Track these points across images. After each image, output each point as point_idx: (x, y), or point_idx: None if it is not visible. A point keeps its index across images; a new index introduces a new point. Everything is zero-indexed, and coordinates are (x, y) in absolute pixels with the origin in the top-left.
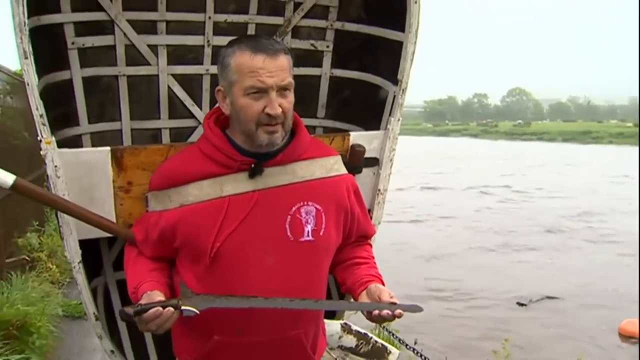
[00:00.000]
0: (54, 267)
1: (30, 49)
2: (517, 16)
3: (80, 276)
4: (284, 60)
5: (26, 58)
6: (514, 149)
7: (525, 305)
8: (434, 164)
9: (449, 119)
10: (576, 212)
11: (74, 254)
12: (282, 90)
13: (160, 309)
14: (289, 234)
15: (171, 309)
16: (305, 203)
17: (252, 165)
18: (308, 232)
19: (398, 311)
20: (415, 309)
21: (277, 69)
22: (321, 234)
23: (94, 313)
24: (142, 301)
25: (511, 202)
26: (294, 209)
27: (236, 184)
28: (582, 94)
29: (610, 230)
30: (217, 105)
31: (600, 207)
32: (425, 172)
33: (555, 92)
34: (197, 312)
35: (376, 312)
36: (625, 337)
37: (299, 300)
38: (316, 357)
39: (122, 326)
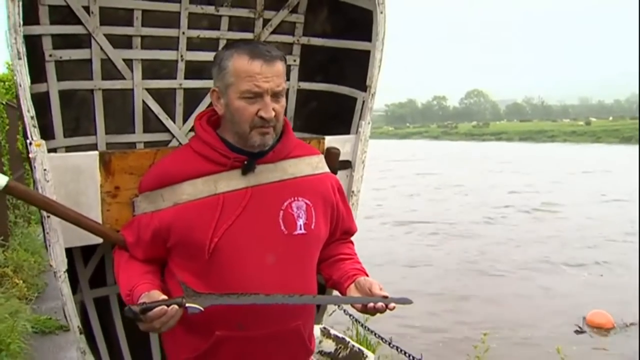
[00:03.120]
0: (21, 282)
1: (24, 49)
2: (471, 19)
3: (66, 286)
4: (280, 67)
5: (19, 59)
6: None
7: (585, 332)
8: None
9: (410, 121)
10: None
11: (59, 262)
12: (275, 95)
13: (165, 307)
14: (282, 228)
15: (175, 306)
16: (296, 198)
17: (245, 162)
18: (300, 225)
19: (392, 304)
20: (406, 301)
21: (273, 74)
22: (312, 227)
23: (78, 327)
24: (142, 301)
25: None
26: (285, 204)
27: (230, 181)
28: (536, 95)
29: None
30: (206, 108)
31: None
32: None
33: (511, 93)
34: (202, 309)
35: (371, 305)
36: (593, 328)
37: (297, 296)
38: (312, 347)
39: (101, 344)
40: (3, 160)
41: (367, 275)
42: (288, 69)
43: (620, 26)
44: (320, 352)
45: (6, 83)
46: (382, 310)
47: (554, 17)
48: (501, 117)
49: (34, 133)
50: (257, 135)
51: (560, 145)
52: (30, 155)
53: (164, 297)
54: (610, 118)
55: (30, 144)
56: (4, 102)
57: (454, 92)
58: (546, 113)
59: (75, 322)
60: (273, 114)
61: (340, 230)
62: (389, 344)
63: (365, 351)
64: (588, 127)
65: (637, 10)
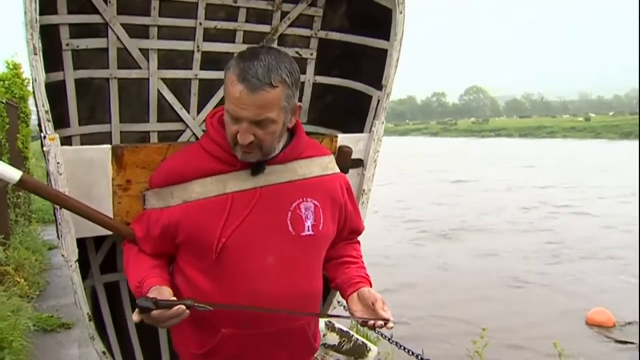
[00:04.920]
0: (22, 280)
1: (40, 45)
2: (470, 15)
3: (76, 275)
4: (266, 96)
5: (35, 54)
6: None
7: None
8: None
9: (409, 118)
10: None
11: (70, 252)
12: (258, 123)
13: (179, 307)
14: (290, 228)
15: (182, 307)
16: (305, 199)
17: (255, 163)
18: (308, 227)
19: (390, 324)
20: (404, 322)
21: (253, 104)
22: (320, 228)
23: (88, 313)
24: (152, 294)
25: None
26: (294, 205)
27: (239, 182)
28: (535, 91)
29: None
30: (221, 99)
31: None
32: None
33: (510, 89)
34: (211, 308)
35: (371, 322)
36: (593, 326)
37: (306, 313)
38: (317, 345)
39: (110, 329)
40: (3, 159)
41: (370, 283)
42: (305, 63)
43: (619, 21)
44: (325, 345)
45: (6, 82)
46: (380, 328)
47: (553, 13)
48: (500, 113)
49: (48, 127)
50: (239, 151)
51: (561, 141)
52: (44, 149)
53: (174, 298)
54: (611, 113)
55: (45, 137)
56: (3, 101)
57: (453, 88)
58: (545, 109)
59: (85, 309)
60: (248, 140)
61: (348, 229)
62: (389, 339)
63: (369, 344)
64: (587, 123)
65: (637, 5)
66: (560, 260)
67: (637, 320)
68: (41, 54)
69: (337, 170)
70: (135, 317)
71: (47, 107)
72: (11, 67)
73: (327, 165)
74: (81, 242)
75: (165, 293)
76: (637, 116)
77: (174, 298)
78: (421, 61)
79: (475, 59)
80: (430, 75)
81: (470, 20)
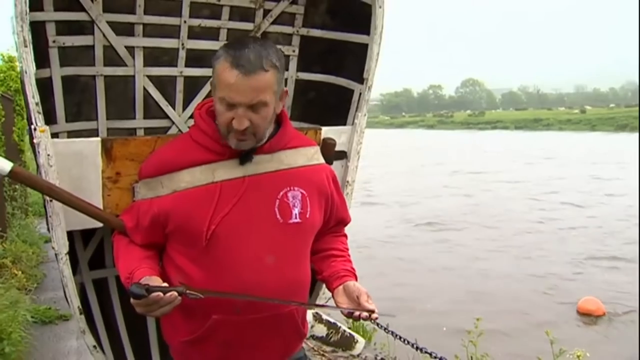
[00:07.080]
0: (20, 273)
1: (30, 37)
2: (467, 7)
3: (67, 268)
4: (260, 79)
5: (25, 46)
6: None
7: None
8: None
9: (406, 110)
10: None
11: (61, 245)
12: (252, 107)
13: (162, 294)
14: (278, 216)
15: (175, 293)
16: (292, 188)
17: (243, 152)
18: (295, 214)
19: (374, 315)
20: (390, 315)
21: (249, 88)
22: (307, 216)
23: (79, 307)
24: (145, 283)
25: None
26: (281, 193)
27: (227, 170)
28: (531, 83)
29: None
30: (206, 96)
31: None
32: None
33: (507, 81)
34: (202, 296)
35: (357, 314)
36: (584, 315)
37: (294, 302)
38: (305, 330)
39: (100, 324)
40: None
41: (356, 277)
42: (287, 60)
43: (615, 13)
44: (313, 337)
45: (1, 75)
46: (365, 320)
47: (550, 4)
48: (497, 105)
49: (38, 119)
50: (234, 139)
51: (557, 133)
52: (34, 141)
53: (166, 284)
54: (612, 105)
55: (35, 129)
56: None
57: (450, 81)
58: (541, 101)
59: (75, 302)
60: (245, 125)
61: (335, 219)
62: (385, 329)
63: (356, 336)
64: (583, 115)
65: None
66: (553, 250)
67: (628, 310)
68: (31, 46)
69: (323, 161)
70: (137, 309)
71: (37, 99)
72: (6, 60)
73: (312, 155)
74: (69, 238)
75: (156, 282)
76: (632, 108)
77: (166, 284)
78: (417, 54)
79: (472, 51)
80: (426, 67)
81: (466, 12)
